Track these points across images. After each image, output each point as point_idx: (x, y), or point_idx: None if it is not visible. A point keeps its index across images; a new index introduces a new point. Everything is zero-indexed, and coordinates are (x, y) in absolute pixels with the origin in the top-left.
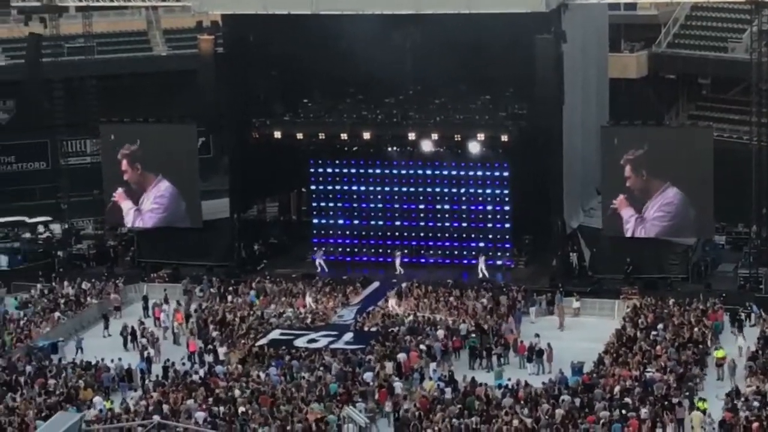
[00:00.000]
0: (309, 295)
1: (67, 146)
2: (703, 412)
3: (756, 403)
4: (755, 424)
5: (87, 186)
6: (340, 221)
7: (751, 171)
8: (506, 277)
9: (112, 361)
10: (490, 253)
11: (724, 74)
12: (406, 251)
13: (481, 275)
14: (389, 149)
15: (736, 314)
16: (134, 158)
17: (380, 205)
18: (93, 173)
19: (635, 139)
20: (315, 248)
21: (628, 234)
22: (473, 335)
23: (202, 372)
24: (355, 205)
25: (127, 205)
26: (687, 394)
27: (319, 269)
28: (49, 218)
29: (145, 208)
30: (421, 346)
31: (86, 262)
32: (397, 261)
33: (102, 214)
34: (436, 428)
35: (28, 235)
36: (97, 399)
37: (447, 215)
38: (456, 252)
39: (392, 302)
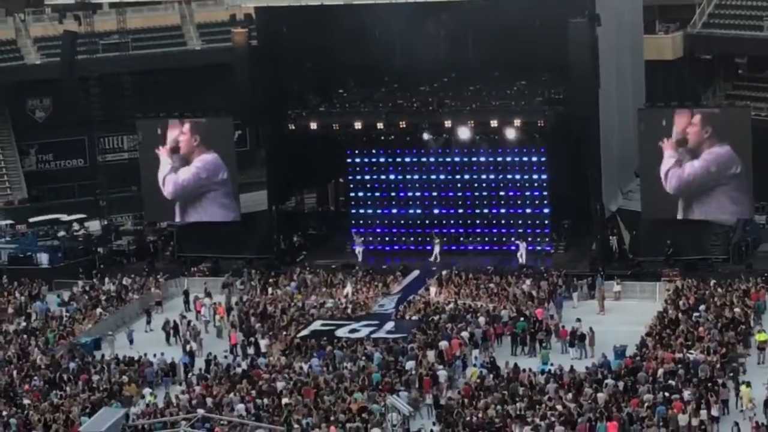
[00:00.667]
0: (349, 284)
1: (104, 143)
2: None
3: None
4: None
5: (125, 182)
6: (378, 210)
7: None
8: (546, 263)
9: (154, 355)
10: (530, 239)
11: (761, 53)
12: (445, 239)
13: (521, 261)
14: (425, 137)
15: None
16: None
17: (418, 194)
18: (130, 169)
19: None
20: (354, 237)
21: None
22: (521, 319)
23: (244, 365)
24: (392, 194)
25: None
26: (731, 375)
27: (359, 257)
28: (83, 215)
29: (185, 175)
30: (463, 334)
31: (126, 257)
32: (436, 249)
33: (141, 209)
34: (480, 415)
35: (63, 233)
36: (146, 390)
37: (485, 202)
38: (495, 238)
39: (433, 290)
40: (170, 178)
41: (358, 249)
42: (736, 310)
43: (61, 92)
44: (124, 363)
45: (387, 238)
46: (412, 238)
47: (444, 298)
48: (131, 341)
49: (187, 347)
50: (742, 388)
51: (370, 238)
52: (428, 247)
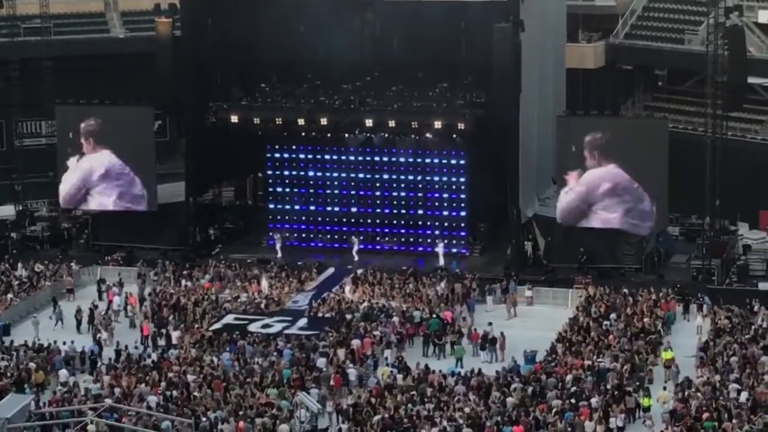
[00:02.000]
0: (265, 279)
1: (22, 127)
2: (648, 408)
3: (701, 394)
4: (705, 414)
5: (42, 168)
6: (296, 207)
7: (705, 163)
8: (461, 265)
9: (64, 343)
10: (446, 241)
11: (680, 66)
12: (362, 237)
13: (441, 262)
14: (346, 136)
15: (687, 303)
16: (89, 134)
17: (336, 192)
18: (48, 155)
19: (592, 129)
20: (271, 233)
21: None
22: (434, 316)
23: (155, 356)
24: (311, 190)
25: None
26: (638, 383)
27: (278, 254)
28: None
29: (99, 187)
30: (375, 333)
31: (40, 244)
32: (355, 248)
33: (56, 195)
34: (388, 414)
35: None
36: (63, 372)
37: (403, 202)
38: (411, 239)
39: (348, 288)
40: (84, 165)
41: (278, 245)
42: (646, 320)
43: None
44: (33, 350)
45: (304, 235)
46: (329, 236)
47: (358, 296)
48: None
49: (98, 336)
50: (661, 392)
51: (287, 234)
52: (345, 246)
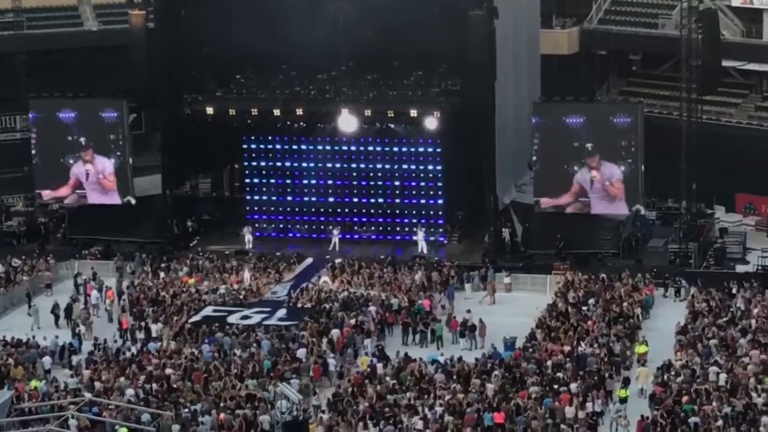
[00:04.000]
0: (247, 270)
1: None
2: (624, 399)
3: (682, 377)
4: (685, 398)
5: (17, 162)
6: (273, 197)
7: (680, 147)
8: (439, 253)
9: (44, 338)
10: (424, 229)
11: (655, 50)
12: (339, 228)
13: (420, 250)
14: (321, 126)
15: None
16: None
17: (313, 182)
18: (23, 149)
19: (567, 114)
20: (246, 226)
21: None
22: (419, 301)
23: (134, 349)
24: (288, 181)
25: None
26: (613, 368)
27: (248, 245)
28: None
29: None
30: (353, 321)
31: (17, 239)
32: (335, 239)
33: (32, 190)
34: (368, 404)
35: None
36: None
37: (380, 191)
38: (389, 228)
39: (325, 278)
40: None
41: (247, 238)
42: (624, 304)
43: None
44: (11, 345)
45: (281, 226)
46: (306, 226)
47: (337, 286)
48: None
49: (77, 330)
50: (640, 368)
51: (264, 225)
52: (323, 236)
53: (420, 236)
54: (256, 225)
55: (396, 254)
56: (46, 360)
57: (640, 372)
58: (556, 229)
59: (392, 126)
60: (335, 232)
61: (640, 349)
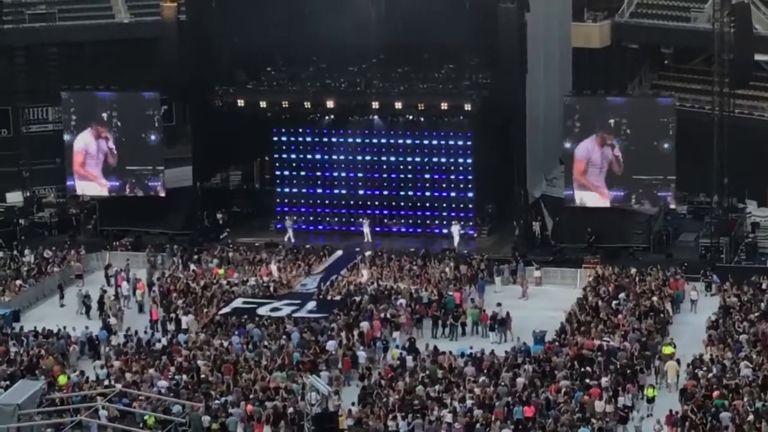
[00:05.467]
0: (273, 263)
1: (28, 114)
2: (652, 399)
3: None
4: (716, 392)
5: (49, 154)
6: (304, 190)
7: (712, 141)
8: (469, 246)
9: (74, 329)
10: (461, 222)
11: (686, 44)
12: (368, 221)
13: (456, 243)
14: (351, 118)
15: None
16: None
17: (343, 174)
18: (55, 141)
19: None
20: (285, 217)
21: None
22: (450, 294)
23: (164, 341)
24: (318, 173)
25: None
26: (644, 363)
27: (287, 239)
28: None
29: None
30: (384, 314)
31: (48, 230)
32: (366, 229)
33: (64, 181)
34: (398, 396)
35: None
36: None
37: (410, 184)
38: (419, 221)
39: (365, 272)
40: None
41: (289, 229)
42: (654, 298)
43: None
44: (42, 335)
45: (312, 218)
46: (336, 219)
47: (366, 279)
48: None
49: (107, 321)
50: (669, 362)
51: (295, 218)
52: (353, 228)
53: (455, 230)
54: (286, 217)
55: (428, 247)
56: (73, 350)
57: (669, 366)
58: (587, 223)
59: (422, 119)
60: (365, 222)
61: (666, 350)
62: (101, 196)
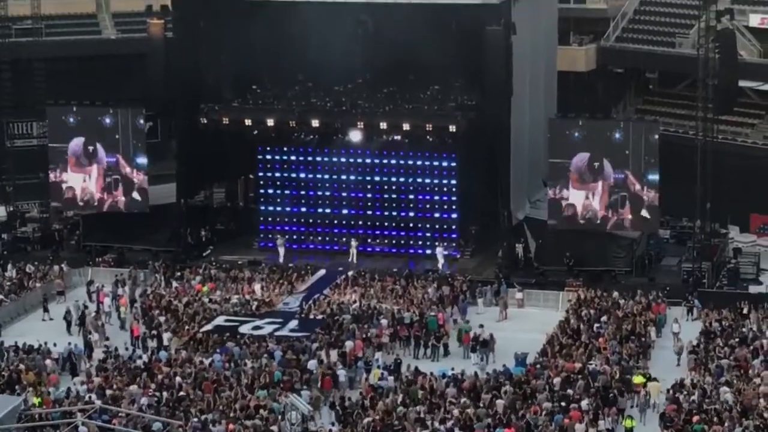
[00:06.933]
0: (257, 281)
1: (13, 128)
2: (630, 430)
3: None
4: (695, 417)
5: (32, 169)
6: (288, 209)
7: (696, 166)
8: (452, 267)
9: (54, 345)
10: (446, 244)
11: (671, 69)
12: (357, 243)
13: (441, 265)
14: (336, 137)
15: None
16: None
17: (328, 193)
18: (39, 156)
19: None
20: (276, 236)
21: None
22: (432, 314)
23: (145, 357)
24: (302, 192)
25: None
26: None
27: (281, 258)
28: None
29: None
30: (366, 334)
31: (31, 245)
32: (353, 251)
33: (47, 197)
34: (377, 417)
35: None
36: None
37: (394, 204)
38: (402, 241)
39: (349, 291)
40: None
41: (281, 250)
42: (637, 322)
43: None
44: (23, 351)
45: (295, 237)
46: (320, 238)
47: (348, 298)
48: None
49: (88, 337)
50: (651, 383)
51: (287, 237)
52: (336, 248)
53: (440, 252)
54: (270, 236)
55: (410, 268)
56: (50, 365)
57: (651, 387)
58: (569, 246)
59: (407, 139)
60: (353, 243)
61: (637, 379)
62: (87, 204)
